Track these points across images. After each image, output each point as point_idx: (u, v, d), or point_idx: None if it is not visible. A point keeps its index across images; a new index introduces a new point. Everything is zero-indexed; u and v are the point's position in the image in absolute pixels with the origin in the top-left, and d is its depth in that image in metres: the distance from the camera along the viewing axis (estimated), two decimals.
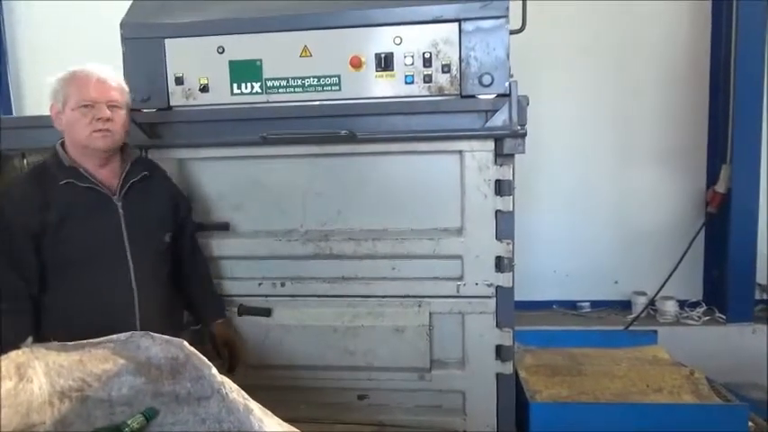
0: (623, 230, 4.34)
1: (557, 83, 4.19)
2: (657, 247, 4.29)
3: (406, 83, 2.25)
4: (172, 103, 2.37)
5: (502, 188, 2.25)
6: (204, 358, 1.53)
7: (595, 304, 4.39)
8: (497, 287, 2.31)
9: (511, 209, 2.27)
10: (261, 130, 2.28)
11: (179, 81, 2.35)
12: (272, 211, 2.43)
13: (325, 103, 2.29)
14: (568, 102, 4.25)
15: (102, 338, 1.57)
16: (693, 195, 4.28)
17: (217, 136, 2.35)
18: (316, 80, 2.29)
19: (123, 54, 2.36)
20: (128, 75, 2.34)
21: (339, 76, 2.27)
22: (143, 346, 1.56)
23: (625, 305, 4.34)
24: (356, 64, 2.24)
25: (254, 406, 1.45)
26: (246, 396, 1.48)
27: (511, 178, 2.25)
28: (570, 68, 4.23)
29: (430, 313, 2.35)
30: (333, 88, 2.28)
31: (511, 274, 2.30)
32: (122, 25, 2.35)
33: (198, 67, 2.33)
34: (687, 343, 3.63)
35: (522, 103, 2.18)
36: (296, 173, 2.39)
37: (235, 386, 1.50)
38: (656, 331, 3.27)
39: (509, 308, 2.34)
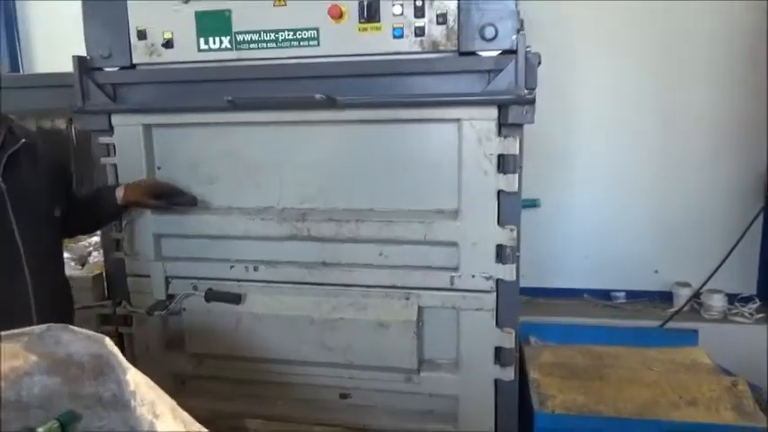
0: (667, 213, 3.88)
1: (597, 49, 3.74)
2: (705, 233, 3.82)
3: (395, 37, 1.92)
4: (135, 61, 2.13)
5: (506, 164, 1.92)
6: (124, 360, 1.29)
7: (631, 295, 3.98)
8: (498, 280, 1.99)
9: (516, 189, 1.93)
10: (231, 91, 2.00)
11: (141, 35, 2.10)
12: (247, 186, 2.18)
13: (301, 62, 1.99)
14: (610, 69, 3.79)
15: (15, 331, 1.35)
16: (751, 176, 3.78)
17: (183, 98, 2.10)
18: (291, 34, 1.98)
19: (82, 6, 2.14)
20: (87, 29, 2.15)
21: (317, 30, 1.97)
22: (63, 340, 1.33)
23: (665, 297, 3.92)
24: (336, 15, 1.93)
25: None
26: (162, 411, 1.23)
27: (517, 153, 1.90)
28: (612, 35, 3.77)
29: (419, 307, 2.07)
30: (310, 43, 1.98)
31: (515, 265, 1.98)
32: None
33: (162, 20, 2.07)
34: (734, 344, 3.22)
35: (532, 62, 1.81)
36: (272, 143, 2.13)
37: (149, 397, 1.25)
38: (696, 331, 2.91)
39: (512, 305, 2.03)
